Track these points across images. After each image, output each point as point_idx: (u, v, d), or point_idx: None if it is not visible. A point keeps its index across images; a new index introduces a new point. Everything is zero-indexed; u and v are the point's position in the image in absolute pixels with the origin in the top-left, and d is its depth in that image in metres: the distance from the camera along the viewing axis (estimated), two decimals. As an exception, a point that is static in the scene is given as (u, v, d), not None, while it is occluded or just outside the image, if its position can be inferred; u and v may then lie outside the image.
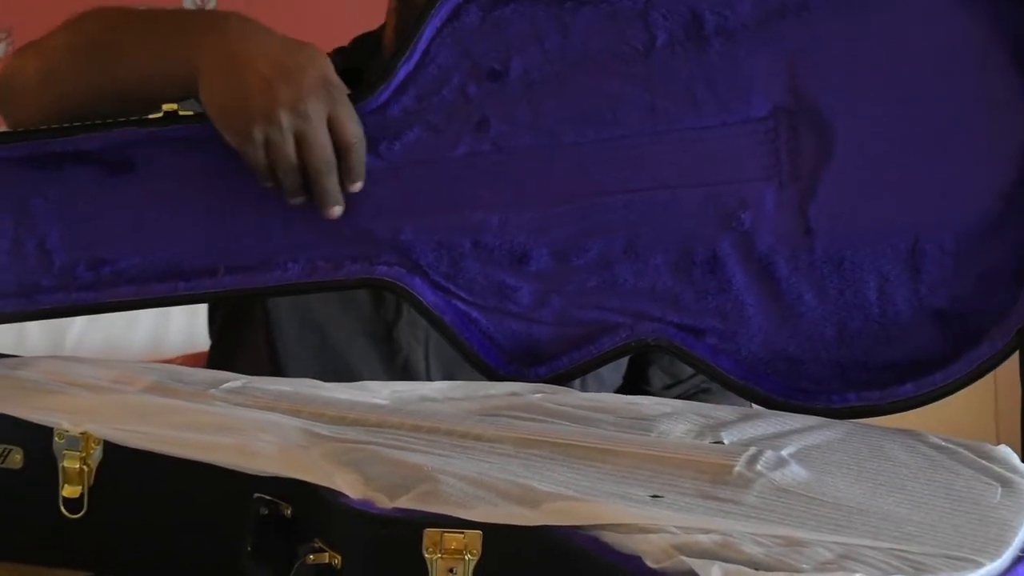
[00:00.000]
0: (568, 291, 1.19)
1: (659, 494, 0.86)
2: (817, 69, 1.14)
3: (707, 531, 0.78)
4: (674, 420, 1.04)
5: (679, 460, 0.93)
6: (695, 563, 0.74)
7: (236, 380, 1.09)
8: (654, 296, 1.18)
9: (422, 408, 1.07)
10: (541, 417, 1.04)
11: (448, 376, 1.34)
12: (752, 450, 0.94)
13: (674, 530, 0.78)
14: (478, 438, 0.97)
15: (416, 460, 0.90)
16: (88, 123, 1.17)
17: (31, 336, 2.05)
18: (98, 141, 1.16)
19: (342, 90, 1.14)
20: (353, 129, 1.13)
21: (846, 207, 1.14)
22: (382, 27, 1.41)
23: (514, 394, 1.10)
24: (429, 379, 1.36)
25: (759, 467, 0.91)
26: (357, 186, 1.15)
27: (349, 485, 0.86)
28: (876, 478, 0.94)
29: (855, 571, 0.74)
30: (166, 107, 1.17)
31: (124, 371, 1.09)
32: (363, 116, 1.17)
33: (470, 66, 1.18)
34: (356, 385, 1.11)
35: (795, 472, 0.91)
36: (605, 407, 1.07)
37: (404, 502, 0.83)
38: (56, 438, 0.96)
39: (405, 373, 1.36)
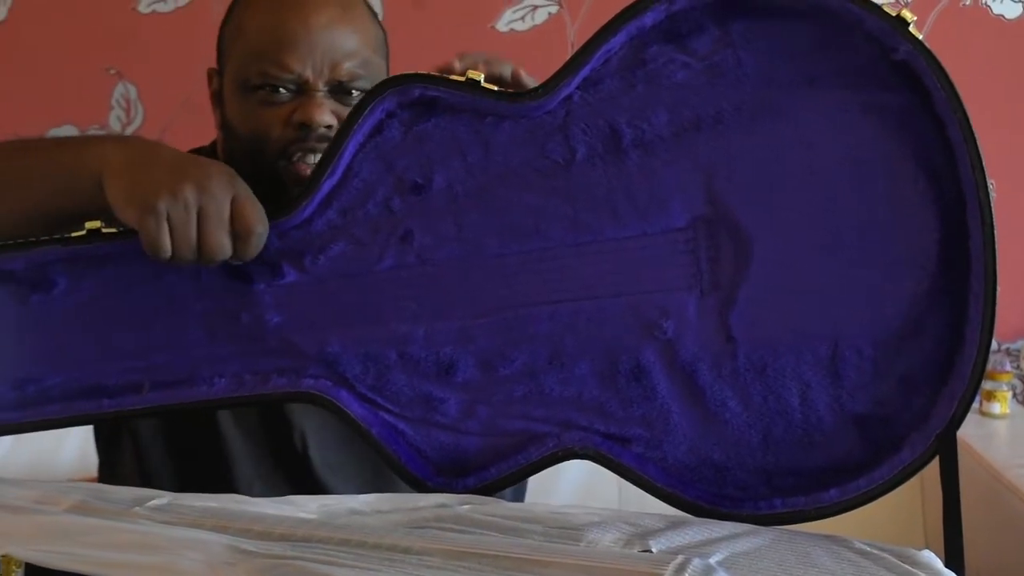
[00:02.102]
0: (495, 401, 1.19)
1: None
2: (733, 180, 1.16)
3: None
4: (602, 529, 1.04)
5: (607, 570, 0.93)
6: None
7: (161, 497, 1.07)
8: (580, 405, 1.18)
9: (350, 521, 1.06)
10: (470, 528, 1.04)
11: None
12: (680, 559, 0.94)
13: None
14: (406, 551, 0.96)
15: (342, 575, 0.89)
16: (11, 243, 1.17)
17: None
18: (21, 261, 1.16)
19: (247, 186, 1.15)
20: (257, 215, 1.14)
21: (766, 314, 1.15)
22: (209, 144, 1.44)
23: (442, 505, 1.10)
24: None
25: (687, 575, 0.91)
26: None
27: None
28: None
29: None
30: (89, 225, 1.17)
31: (47, 491, 1.08)
32: (287, 231, 1.18)
33: (393, 180, 1.19)
34: (283, 500, 1.10)
35: None
36: (533, 517, 1.07)
37: None
38: (-25, 561, 0.95)
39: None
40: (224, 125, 1.37)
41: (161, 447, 1.44)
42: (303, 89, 1.31)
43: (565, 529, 1.04)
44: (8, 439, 2.08)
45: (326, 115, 1.30)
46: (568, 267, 1.18)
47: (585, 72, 1.16)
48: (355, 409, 1.19)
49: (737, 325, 1.16)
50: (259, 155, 1.31)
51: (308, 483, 1.42)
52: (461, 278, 1.19)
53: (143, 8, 2.05)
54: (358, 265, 1.19)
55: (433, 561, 0.95)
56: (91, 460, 2.11)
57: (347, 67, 1.32)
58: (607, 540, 1.03)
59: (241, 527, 1.01)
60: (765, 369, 1.15)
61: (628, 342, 1.17)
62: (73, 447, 2.17)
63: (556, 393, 1.18)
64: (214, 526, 1.01)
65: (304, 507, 1.09)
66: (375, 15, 1.41)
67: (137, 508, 1.04)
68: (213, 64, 1.38)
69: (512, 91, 1.16)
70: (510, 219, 1.18)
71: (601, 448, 1.17)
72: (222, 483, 1.39)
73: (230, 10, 1.40)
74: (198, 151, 1.42)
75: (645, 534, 1.03)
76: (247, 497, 1.09)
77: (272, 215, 1.18)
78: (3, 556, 0.95)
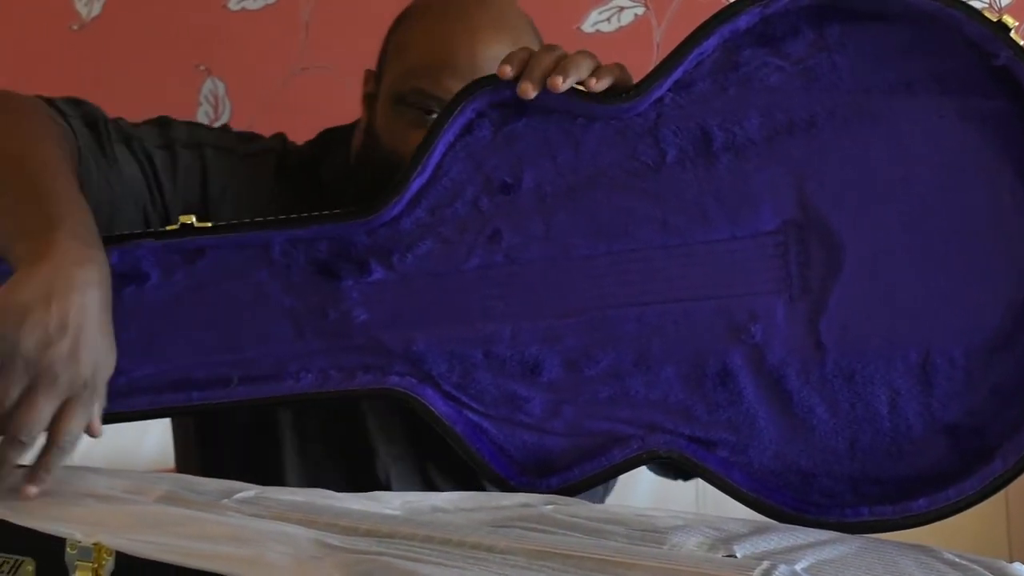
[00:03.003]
0: (580, 402, 1.19)
1: None
2: (825, 184, 1.15)
3: None
4: (686, 533, 1.04)
5: (692, 573, 0.92)
6: None
7: (249, 490, 1.08)
8: (666, 408, 1.18)
9: (434, 519, 1.06)
10: (553, 529, 1.04)
11: None
12: (765, 564, 0.93)
13: None
14: (490, 549, 0.97)
15: (427, 572, 0.89)
16: (104, 236, 1.19)
17: (38, 446, 2.04)
18: (115, 254, 1.18)
19: (99, 396, 1.05)
20: (74, 433, 1.03)
21: (857, 320, 1.14)
22: (350, 125, 1.44)
23: (526, 505, 1.10)
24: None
25: None
26: (31, 491, 1.02)
27: None
28: None
29: None
30: (182, 218, 1.19)
31: (137, 481, 1.09)
32: (376, 228, 1.19)
33: (482, 179, 1.19)
34: (368, 495, 1.10)
35: None
36: (617, 519, 1.06)
37: None
38: (68, 549, 0.96)
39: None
40: (369, 130, 1.36)
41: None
42: None
43: (648, 532, 1.04)
44: (136, 428, 2.11)
45: None
46: (656, 269, 1.18)
47: (677, 74, 1.16)
48: (440, 407, 1.19)
49: (826, 331, 1.15)
50: (393, 170, 1.28)
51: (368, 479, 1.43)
52: (548, 278, 1.19)
53: (233, 5, 2.07)
54: (445, 264, 1.20)
55: (517, 560, 0.95)
56: (172, 453, 2.13)
57: None
58: (691, 544, 1.02)
59: (327, 522, 1.01)
60: (854, 376, 1.14)
61: (715, 345, 1.17)
62: (154, 440, 2.19)
63: (641, 395, 1.18)
64: (300, 520, 1.01)
65: (388, 503, 1.09)
66: (538, 36, 1.38)
67: (225, 500, 1.05)
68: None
69: (603, 92, 1.16)
70: (599, 220, 1.18)
71: (686, 451, 1.16)
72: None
73: (400, 18, 1.39)
74: (332, 130, 1.44)
75: (729, 539, 1.03)
76: (333, 492, 1.10)
77: (361, 213, 1.19)
78: (95, 544, 0.96)
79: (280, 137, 1.45)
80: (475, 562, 0.94)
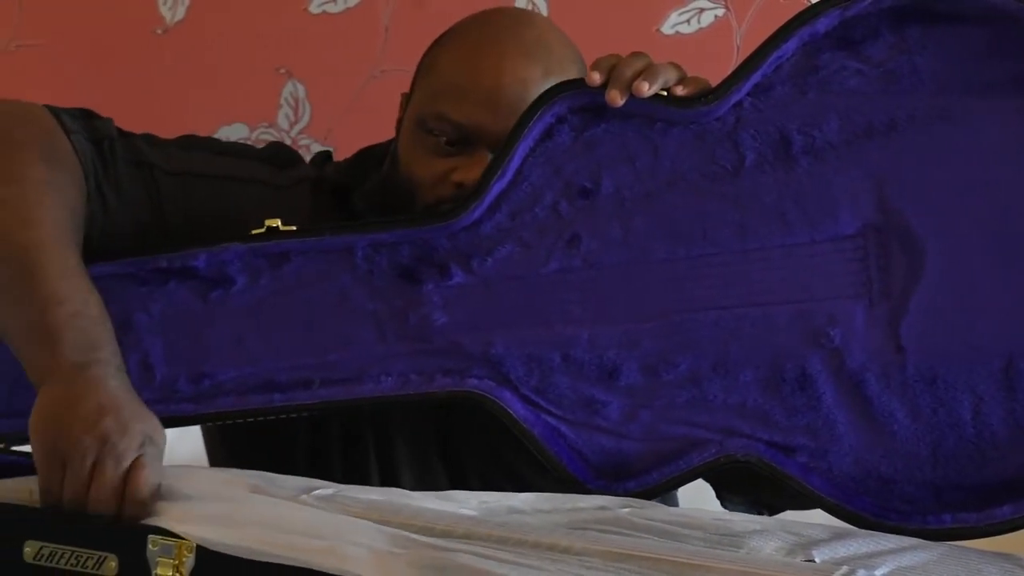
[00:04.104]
0: (657, 406, 1.19)
1: None
2: (906, 187, 1.14)
3: None
4: (764, 537, 1.04)
5: None
6: None
7: (327, 488, 1.09)
8: (744, 413, 1.17)
9: (509, 520, 1.07)
10: (629, 531, 1.04)
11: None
12: (844, 570, 0.93)
13: None
14: (566, 551, 0.97)
15: (502, 572, 0.90)
16: (194, 240, 1.21)
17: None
18: (203, 258, 1.20)
19: (158, 451, 1.08)
20: (146, 484, 1.04)
21: (938, 325, 1.13)
22: (388, 142, 1.40)
23: (602, 508, 1.10)
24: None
25: None
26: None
27: None
28: None
29: None
30: (268, 222, 1.20)
31: (219, 476, 1.11)
32: (457, 232, 1.20)
33: (562, 184, 1.20)
34: (444, 495, 1.11)
35: None
36: (694, 523, 1.06)
37: None
38: (150, 546, 0.98)
39: None
40: (393, 154, 1.34)
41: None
42: (472, 142, 1.25)
43: (726, 536, 1.04)
44: (173, 431, 2.14)
45: None
46: (734, 273, 1.17)
47: (756, 78, 1.16)
48: (518, 410, 1.20)
49: (907, 335, 1.14)
50: (411, 197, 1.28)
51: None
52: (626, 282, 1.19)
53: (314, 8, 2.08)
54: (524, 267, 1.20)
55: (593, 562, 0.96)
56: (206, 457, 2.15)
57: None
58: (769, 548, 1.02)
59: (403, 521, 1.02)
60: (935, 380, 1.14)
61: (794, 350, 1.16)
62: (190, 444, 2.21)
63: (719, 400, 1.18)
64: (378, 519, 1.03)
65: (465, 503, 1.10)
66: (583, 65, 1.31)
67: (304, 496, 1.06)
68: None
69: (683, 97, 1.16)
70: (677, 224, 1.18)
71: (765, 456, 1.16)
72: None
73: (436, 41, 1.36)
74: (369, 150, 1.43)
75: (808, 544, 1.02)
76: (409, 492, 1.11)
77: (443, 217, 1.20)
78: (176, 540, 0.98)
79: (318, 160, 1.42)
80: (551, 563, 0.95)
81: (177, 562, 0.98)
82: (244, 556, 0.96)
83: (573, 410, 1.21)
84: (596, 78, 1.15)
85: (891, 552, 1.02)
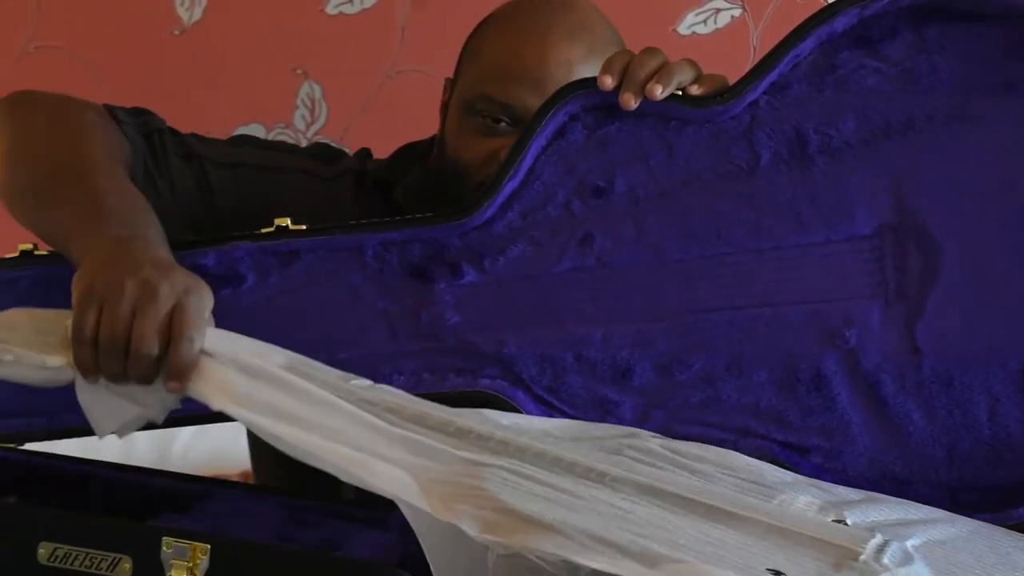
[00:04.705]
0: (671, 406, 1.19)
1: (780, 571, 0.84)
2: (923, 187, 1.13)
3: None
4: (795, 491, 1.01)
5: (803, 537, 0.90)
6: None
7: (365, 381, 1.08)
8: (758, 413, 1.17)
9: (543, 440, 1.05)
10: (661, 464, 1.02)
11: None
12: (879, 539, 0.91)
13: None
14: (600, 477, 0.95)
15: (535, 508, 0.89)
16: (203, 239, 1.21)
17: (139, 445, 2.07)
18: (212, 256, 1.19)
19: (203, 298, 1.06)
20: (193, 323, 1.03)
21: (955, 326, 1.13)
22: (428, 140, 1.43)
23: (632, 435, 1.08)
24: None
25: (886, 560, 0.88)
26: (172, 386, 1.03)
27: (468, 525, 0.86)
28: None
29: None
30: (278, 221, 1.20)
31: (263, 347, 1.09)
32: (468, 231, 1.19)
33: (575, 183, 1.19)
34: (478, 411, 1.09)
35: (921, 572, 0.88)
36: (726, 464, 1.05)
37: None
38: (164, 548, 0.98)
39: None
40: (440, 140, 1.36)
41: None
42: (519, 122, 1.27)
43: (757, 484, 1.02)
44: (190, 429, 2.14)
45: None
46: (749, 273, 1.17)
47: (772, 77, 1.15)
48: (531, 410, 1.19)
49: (923, 336, 1.13)
50: (458, 182, 1.30)
51: None
52: (640, 281, 1.19)
53: (330, 9, 2.09)
54: (537, 267, 1.20)
55: (627, 492, 0.94)
56: (269, 451, 2.15)
57: None
58: (800, 503, 1.00)
59: (439, 420, 1.02)
60: (952, 382, 1.13)
61: (809, 350, 1.16)
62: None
63: (733, 400, 1.17)
64: (413, 416, 1.03)
65: (497, 421, 1.07)
66: (622, 45, 1.35)
67: (342, 383, 1.05)
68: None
69: (698, 96, 1.15)
70: (691, 223, 1.17)
71: (779, 457, 1.15)
72: None
73: (479, 25, 1.38)
74: (409, 147, 1.44)
75: (839, 504, 1.00)
76: (444, 406, 1.08)
77: (454, 216, 1.19)
78: (190, 543, 0.98)
79: (360, 155, 1.45)
80: (585, 489, 0.93)
81: (191, 564, 0.98)
82: (282, 448, 0.96)
83: (586, 410, 1.20)
84: (608, 82, 1.14)
85: (921, 523, 1.00)
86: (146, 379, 1.03)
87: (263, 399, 1.00)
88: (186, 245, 1.19)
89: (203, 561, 0.98)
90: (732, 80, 1.18)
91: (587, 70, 1.24)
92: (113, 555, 1.00)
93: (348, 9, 2.10)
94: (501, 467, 0.94)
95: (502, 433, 1.00)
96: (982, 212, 1.12)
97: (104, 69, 2.16)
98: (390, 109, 2.05)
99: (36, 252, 1.19)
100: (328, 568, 1.01)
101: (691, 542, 0.87)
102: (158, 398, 1.05)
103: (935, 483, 1.13)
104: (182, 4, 2.15)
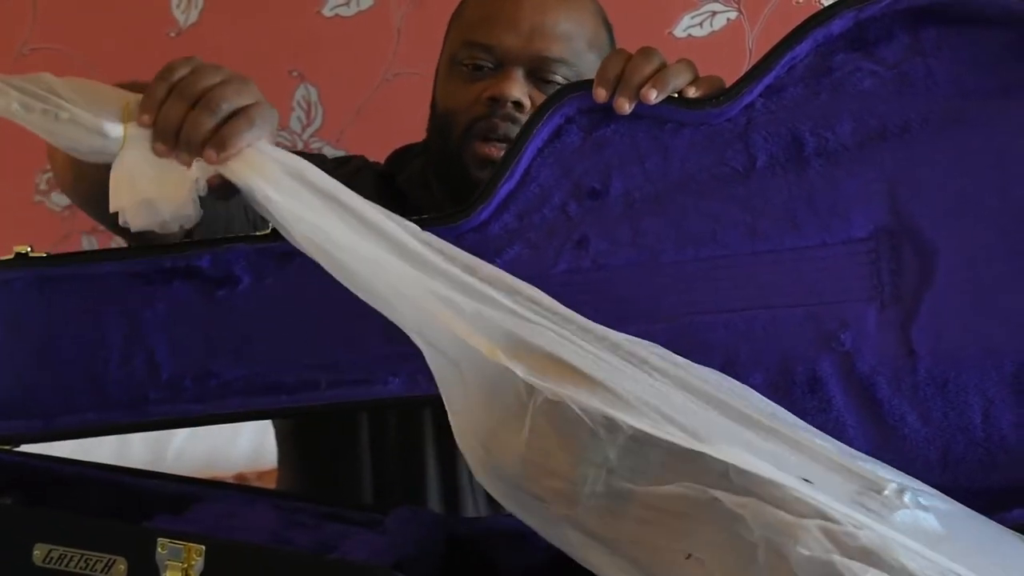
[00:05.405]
0: (667, 409, 1.18)
1: (809, 480, 0.84)
2: (919, 190, 1.13)
3: (860, 527, 0.76)
4: (812, 433, 1.01)
5: (832, 462, 0.90)
6: (850, 567, 0.73)
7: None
8: (754, 416, 1.17)
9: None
10: (690, 368, 1.01)
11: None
12: (899, 483, 0.91)
13: (827, 518, 0.77)
14: (642, 362, 0.96)
15: (584, 365, 0.90)
16: (198, 240, 1.21)
17: (134, 447, 2.07)
18: (208, 257, 1.19)
19: (275, 115, 1.10)
20: (262, 116, 1.06)
21: (949, 328, 1.13)
22: (423, 142, 1.47)
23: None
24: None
25: (906, 499, 0.89)
26: (210, 154, 1.04)
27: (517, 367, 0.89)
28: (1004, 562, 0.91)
29: None
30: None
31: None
32: (464, 233, 1.19)
33: (571, 185, 1.19)
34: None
35: (933, 522, 0.89)
36: (747, 394, 1.04)
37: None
38: (159, 549, 0.98)
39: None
40: (432, 107, 1.42)
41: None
42: (502, 65, 1.34)
43: (778, 418, 1.01)
44: (185, 431, 2.14)
45: (516, 90, 1.33)
46: (745, 275, 1.17)
47: (768, 80, 1.15)
48: (527, 412, 1.19)
49: (918, 338, 1.13)
50: (448, 133, 1.35)
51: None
52: (636, 284, 1.19)
53: (327, 11, 2.09)
54: (533, 269, 1.19)
55: (664, 379, 0.96)
56: (264, 452, 2.16)
57: (551, 48, 1.33)
58: (819, 441, 0.99)
59: (489, 276, 1.02)
60: (946, 384, 1.13)
61: (804, 353, 1.16)
62: (248, 440, 2.21)
63: (729, 402, 1.17)
64: (464, 266, 1.02)
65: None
66: (603, 18, 1.43)
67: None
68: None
69: (693, 98, 1.15)
70: (687, 226, 1.17)
71: (774, 460, 1.15)
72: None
73: (461, 2, 1.45)
74: (405, 147, 1.47)
75: (855, 455, 1.01)
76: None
77: (450, 218, 1.19)
78: (185, 545, 0.98)
79: (361, 157, 1.51)
80: (627, 366, 0.94)
81: (186, 565, 0.98)
82: (313, 256, 1.00)
83: (583, 413, 1.20)
84: (602, 94, 1.14)
85: (931, 495, 0.99)
86: (195, 136, 1.04)
87: (308, 201, 1.01)
88: (181, 247, 1.20)
89: (198, 562, 0.98)
90: (728, 83, 1.18)
91: (560, 15, 1.34)
92: (108, 556, 0.99)
93: (344, 11, 2.10)
94: (549, 327, 0.94)
95: (549, 302, 1.00)
96: (977, 215, 1.12)
97: (101, 71, 2.16)
98: (386, 111, 2.05)
99: (31, 254, 1.19)
100: (323, 570, 1.01)
101: (724, 435, 0.86)
102: (184, 185, 1.07)
103: (929, 485, 1.12)
104: (178, 6, 2.15)
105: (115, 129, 1.06)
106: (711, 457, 0.85)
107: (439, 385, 0.96)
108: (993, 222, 1.12)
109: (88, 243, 2.25)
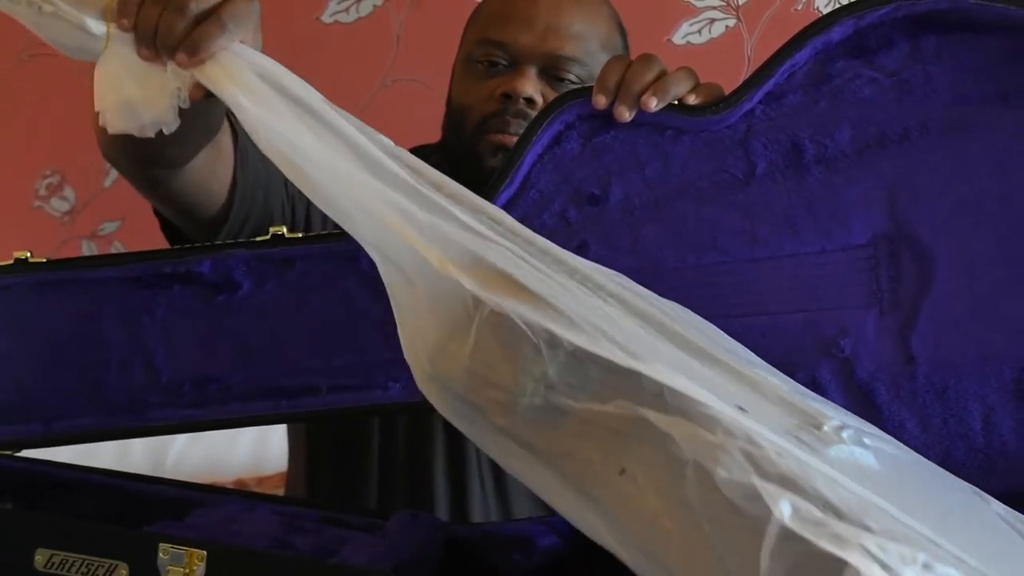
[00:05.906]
0: (666, 414, 1.18)
1: (744, 408, 0.84)
2: (918, 197, 1.14)
3: (782, 455, 0.77)
4: (767, 371, 1.02)
5: (773, 395, 0.91)
6: (766, 488, 0.73)
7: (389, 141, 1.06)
8: (753, 422, 1.17)
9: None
10: (649, 298, 1.01)
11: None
12: (839, 421, 0.92)
13: (752, 443, 0.78)
14: (597, 288, 0.97)
15: (532, 283, 0.91)
16: (197, 245, 1.21)
17: (134, 452, 2.07)
18: (208, 263, 1.19)
19: (254, 8, 1.08)
20: (237, 15, 1.03)
21: (949, 335, 1.13)
22: (436, 144, 1.48)
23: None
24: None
25: (844, 435, 0.89)
26: (181, 58, 1.01)
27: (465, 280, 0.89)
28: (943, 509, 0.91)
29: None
30: (273, 229, 1.20)
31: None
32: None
33: (570, 191, 1.19)
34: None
35: (870, 460, 0.89)
36: (707, 328, 1.04)
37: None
38: (160, 554, 0.98)
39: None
40: (448, 105, 1.44)
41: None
42: (516, 62, 1.36)
43: (733, 354, 1.01)
44: (183, 437, 2.14)
45: (528, 86, 1.35)
46: (744, 282, 1.17)
47: (768, 87, 1.15)
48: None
49: (918, 345, 1.13)
50: (462, 129, 1.37)
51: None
52: (635, 290, 1.19)
53: (326, 18, 2.09)
54: (533, 275, 1.20)
55: (617, 305, 0.96)
56: (264, 457, 2.16)
57: (565, 47, 1.35)
58: (771, 379, 1.00)
59: (453, 192, 1.01)
60: (946, 391, 1.13)
61: (804, 359, 1.16)
62: (247, 444, 2.22)
63: (729, 409, 1.17)
64: (435, 182, 1.02)
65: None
66: (618, 22, 1.45)
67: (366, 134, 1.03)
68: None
69: (693, 105, 1.15)
70: (686, 232, 1.18)
71: (774, 465, 1.15)
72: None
73: (479, 4, 1.47)
74: (416, 149, 1.47)
75: (805, 394, 1.01)
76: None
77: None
78: (186, 549, 0.98)
79: None
80: (580, 290, 0.95)
81: (187, 570, 0.98)
82: (278, 164, 0.97)
83: (582, 418, 1.20)
84: (602, 101, 1.14)
85: (877, 435, 0.99)
86: (168, 40, 1.01)
87: (278, 109, 1.00)
88: (181, 252, 1.20)
89: (199, 568, 0.98)
90: (726, 90, 1.18)
91: (575, 14, 1.36)
92: (110, 562, 0.99)
93: (344, 18, 2.10)
94: (506, 247, 0.94)
95: (512, 223, 1.00)
96: (977, 221, 1.12)
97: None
98: (385, 117, 2.04)
99: (31, 260, 1.20)
100: (323, 575, 1.01)
101: (665, 359, 0.87)
102: (165, 90, 1.05)
103: (929, 491, 1.14)
104: (178, 12, 2.15)
105: (98, 26, 1.04)
106: (647, 377, 0.85)
107: (391, 298, 0.96)
108: (992, 229, 1.13)
109: (88, 248, 2.25)
